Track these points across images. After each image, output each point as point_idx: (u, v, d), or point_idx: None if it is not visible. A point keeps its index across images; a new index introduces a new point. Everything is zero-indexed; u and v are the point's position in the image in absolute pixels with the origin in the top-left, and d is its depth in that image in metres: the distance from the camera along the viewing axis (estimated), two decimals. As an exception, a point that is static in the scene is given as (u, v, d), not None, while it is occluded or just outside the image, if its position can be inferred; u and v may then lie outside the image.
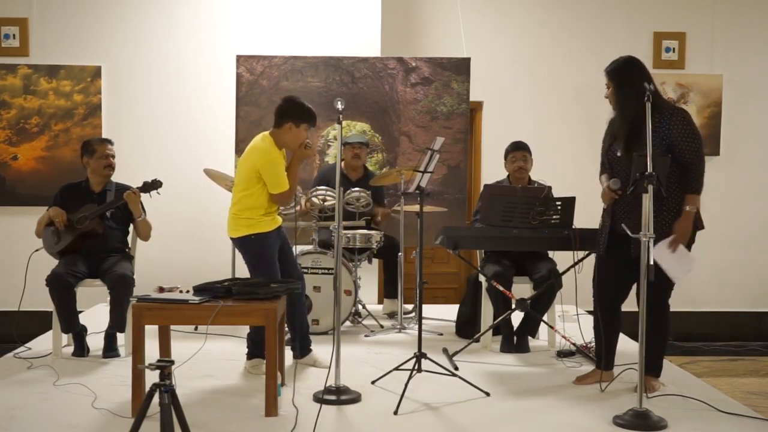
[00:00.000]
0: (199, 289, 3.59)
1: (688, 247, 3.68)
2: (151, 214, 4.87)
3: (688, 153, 3.61)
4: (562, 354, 4.62)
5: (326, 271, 5.05)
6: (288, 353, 4.28)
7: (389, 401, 3.61)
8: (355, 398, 3.66)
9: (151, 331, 3.53)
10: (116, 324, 4.53)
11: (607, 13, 6.90)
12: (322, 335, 4.95)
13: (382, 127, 6.16)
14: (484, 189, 4.66)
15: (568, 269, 4.40)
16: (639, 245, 3.41)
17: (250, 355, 4.27)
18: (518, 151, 5.02)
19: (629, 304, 3.83)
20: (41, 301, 4.64)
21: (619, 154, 3.75)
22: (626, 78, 3.70)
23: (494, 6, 6.89)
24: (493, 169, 6.02)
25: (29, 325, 5.26)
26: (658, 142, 3.57)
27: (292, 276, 4.26)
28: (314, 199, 5.13)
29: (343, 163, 5.68)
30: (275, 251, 4.18)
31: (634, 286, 3.84)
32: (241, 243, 4.15)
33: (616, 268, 3.83)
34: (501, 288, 4.60)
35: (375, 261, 6.07)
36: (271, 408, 3.41)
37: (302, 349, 4.34)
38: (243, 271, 4.85)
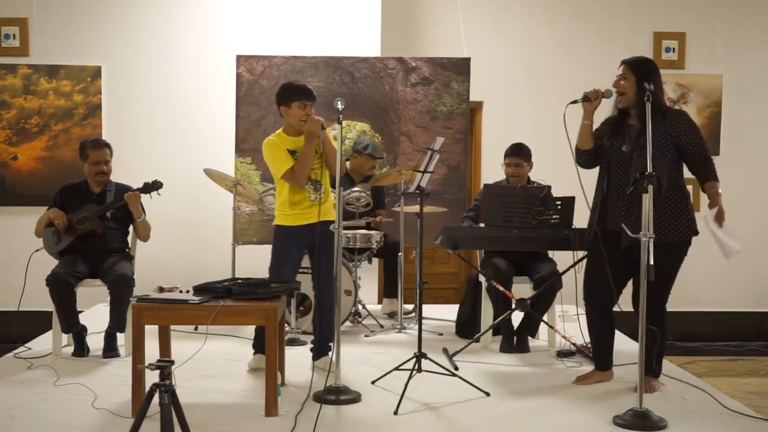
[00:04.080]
0: (199, 289, 3.59)
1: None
2: (151, 214, 4.86)
3: (702, 150, 3.74)
4: (562, 354, 4.62)
5: (326, 271, 5.04)
6: (289, 353, 4.28)
7: (389, 401, 3.61)
8: (355, 398, 3.66)
9: (151, 331, 3.52)
10: (116, 324, 4.52)
11: (607, 13, 6.90)
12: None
13: (382, 127, 6.16)
14: (483, 189, 4.65)
15: (568, 269, 4.40)
16: (629, 237, 3.49)
17: (256, 350, 4.27)
18: (512, 157, 4.98)
19: (628, 305, 3.82)
20: (41, 301, 4.64)
21: (624, 149, 3.75)
22: (647, 74, 3.70)
23: (494, 6, 6.89)
24: (493, 169, 6.01)
25: (29, 325, 5.27)
26: (668, 141, 3.68)
27: (319, 280, 4.15)
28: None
29: (348, 163, 5.68)
30: (290, 248, 4.16)
31: (631, 286, 3.84)
32: None
33: (605, 269, 3.82)
34: (501, 288, 4.60)
35: (375, 261, 6.07)
36: (271, 408, 3.41)
37: (318, 353, 4.28)
38: (243, 272, 4.85)
